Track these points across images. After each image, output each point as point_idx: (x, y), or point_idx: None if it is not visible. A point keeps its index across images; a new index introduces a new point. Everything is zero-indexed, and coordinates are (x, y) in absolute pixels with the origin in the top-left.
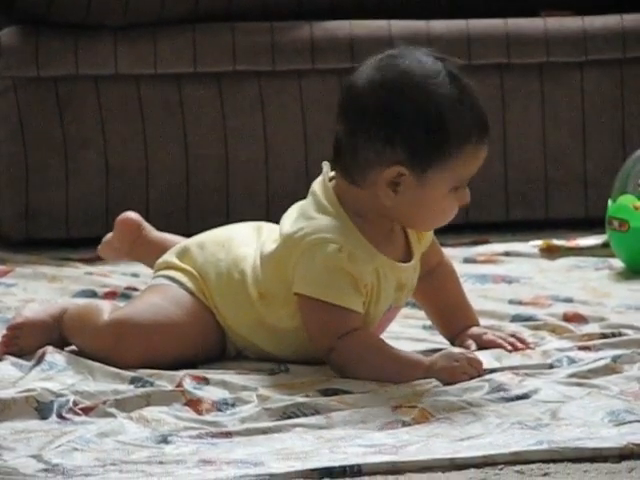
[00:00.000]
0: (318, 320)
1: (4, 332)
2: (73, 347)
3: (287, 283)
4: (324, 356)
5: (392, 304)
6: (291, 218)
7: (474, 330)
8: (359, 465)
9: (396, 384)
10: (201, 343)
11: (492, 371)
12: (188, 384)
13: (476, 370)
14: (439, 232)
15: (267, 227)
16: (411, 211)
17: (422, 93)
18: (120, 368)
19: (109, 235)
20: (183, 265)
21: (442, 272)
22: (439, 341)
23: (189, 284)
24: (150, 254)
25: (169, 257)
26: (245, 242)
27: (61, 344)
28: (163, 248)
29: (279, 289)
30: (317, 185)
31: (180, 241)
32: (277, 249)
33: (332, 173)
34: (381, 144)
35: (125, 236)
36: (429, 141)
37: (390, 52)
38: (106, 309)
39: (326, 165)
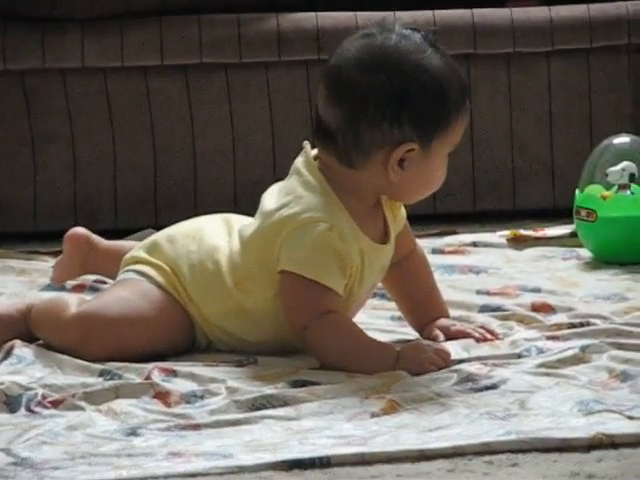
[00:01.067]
0: (297, 296)
1: None
2: (41, 342)
3: (270, 263)
4: (297, 334)
5: (375, 283)
6: (273, 197)
7: (443, 321)
8: (328, 457)
9: (364, 374)
10: (169, 337)
11: (460, 361)
12: (157, 377)
13: (443, 361)
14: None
15: (235, 218)
16: (413, 183)
17: (420, 69)
18: (88, 361)
19: (59, 257)
20: (152, 259)
21: (414, 261)
22: (407, 332)
23: (158, 278)
24: (106, 264)
25: (137, 252)
26: (215, 233)
27: (28, 339)
28: (118, 255)
29: (261, 271)
30: (301, 164)
31: (133, 245)
32: (260, 228)
33: (314, 152)
34: (388, 125)
35: (75, 252)
36: (434, 114)
37: (367, 31)
38: (73, 302)
39: (307, 144)
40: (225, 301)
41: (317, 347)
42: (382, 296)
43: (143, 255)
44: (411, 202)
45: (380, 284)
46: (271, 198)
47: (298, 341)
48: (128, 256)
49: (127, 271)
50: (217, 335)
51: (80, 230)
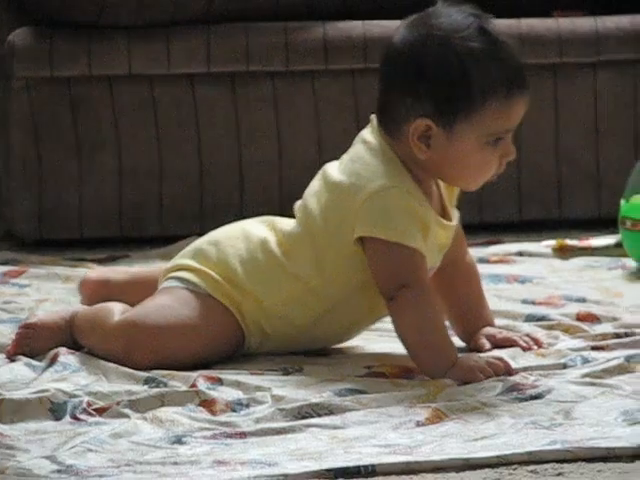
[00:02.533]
0: (385, 262)
1: (17, 331)
2: (85, 349)
3: (343, 234)
4: (385, 302)
5: (434, 265)
6: (340, 166)
7: (489, 329)
8: (373, 465)
9: (411, 379)
10: (213, 344)
11: (513, 371)
12: (202, 384)
13: (494, 372)
14: None
15: (277, 219)
16: (446, 166)
17: (445, 46)
18: (133, 369)
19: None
20: (197, 266)
21: (465, 268)
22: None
23: (202, 284)
24: (123, 297)
25: (180, 260)
26: (258, 229)
27: (74, 347)
28: (134, 284)
29: (332, 242)
30: (367, 133)
31: (146, 271)
32: (332, 199)
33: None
34: (410, 98)
35: (92, 297)
36: (453, 94)
37: (426, 10)
38: (117, 310)
39: (374, 117)
40: (289, 286)
41: (399, 320)
42: None
43: (187, 262)
44: (462, 187)
45: None
46: (337, 168)
47: (370, 318)
48: (170, 264)
49: (169, 279)
50: (276, 328)
51: (92, 276)
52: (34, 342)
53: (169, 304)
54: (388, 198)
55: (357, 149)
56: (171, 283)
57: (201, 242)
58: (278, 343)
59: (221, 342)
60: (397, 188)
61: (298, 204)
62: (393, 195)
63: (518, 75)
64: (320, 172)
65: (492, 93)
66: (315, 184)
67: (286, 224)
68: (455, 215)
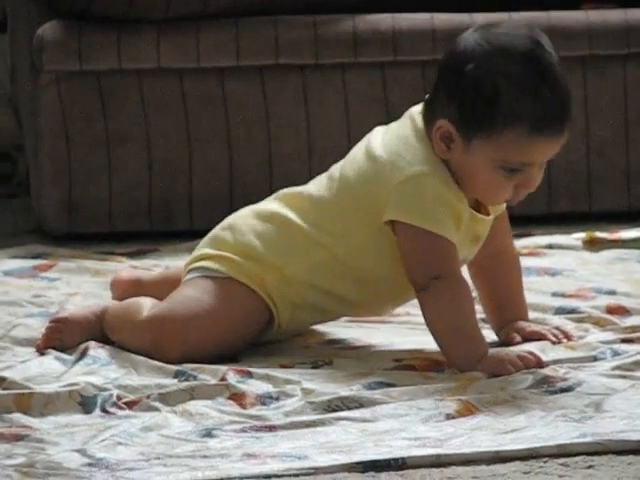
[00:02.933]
0: (418, 250)
1: (47, 325)
2: (115, 344)
3: (374, 209)
4: (416, 292)
5: (466, 258)
6: (384, 140)
7: (520, 323)
8: (403, 458)
9: (441, 372)
10: (242, 326)
11: (544, 364)
12: (232, 378)
13: (525, 365)
14: None
15: (287, 190)
16: (460, 172)
17: (489, 61)
18: (163, 363)
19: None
20: (214, 252)
21: (508, 259)
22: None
23: (222, 269)
24: (155, 295)
25: (198, 251)
26: (268, 203)
27: (104, 341)
28: (165, 283)
29: (359, 214)
30: (416, 112)
31: (176, 270)
32: (371, 171)
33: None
34: (445, 99)
35: (124, 296)
36: (477, 111)
37: (498, 23)
38: (147, 305)
39: (428, 96)
40: (312, 253)
41: (430, 310)
42: None
43: (204, 251)
44: (474, 196)
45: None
46: (381, 141)
47: (392, 295)
48: (191, 257)
49: (190, 270)
50: (304, 297)
51: (124, 275)
52: (65, 336)
53: (192, 295)
54: (424, 184)
55: (405, 126)
56: (192, 275)
57: (216, 229)
58: (308, 313)
59: (250, 323)
60: (434, 176)
61: (335, 167)
62: (429, 182)
63: (550, 115)
64: (365, 138)
65: (514, 124)
66: (357, 151)
67: (308, 190)
68: (496, 208)
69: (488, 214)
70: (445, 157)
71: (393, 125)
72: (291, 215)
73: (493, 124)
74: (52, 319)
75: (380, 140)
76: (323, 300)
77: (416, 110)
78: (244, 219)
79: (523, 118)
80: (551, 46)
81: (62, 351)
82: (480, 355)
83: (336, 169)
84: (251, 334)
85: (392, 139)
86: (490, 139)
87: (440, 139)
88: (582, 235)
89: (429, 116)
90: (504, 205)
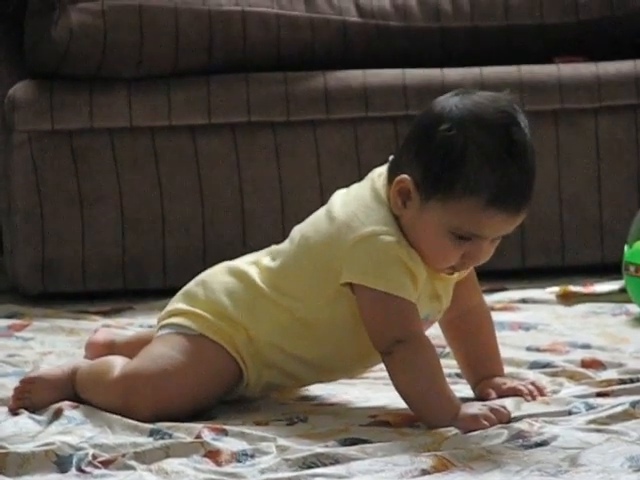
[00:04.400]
0: (379, 313)
1: (16, 386)
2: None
3: (330, 271)
4: (381, 354)
5: (429, 316)
6: (344, 203)
7: (496, 380)
8: None
9: (416, 427)
10: (212, 383)
11: (511, 419)
12: (207, 435)
13: (498, 420)
14: None
15: (260, 254)
16: (411, 232)
17: (462, 128)
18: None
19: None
20: (186, 307)
21: (479, 316)
22: (459, 390)
23: (193, 325)
24: (130, 355)
25: (171, 305)
26: (241, 264)
27: (75, 400)
28: (139, 345)
29: (317, 275)
30: (378, 177)
31: (150, 333)
32: (329, 233)
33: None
34: (411, 155)
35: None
36: (440, 174)
37: (479, 91)
38: (117, 364)
39: (392, 158)
40: (275, 315)
41: (397, 375)
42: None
43: (176, 306)
44: (424, 260)
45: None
46: (341, 202)
47: (358, 357)
48: (162, 312)
49: (162, 327)
50: (270, 358)
51: (99, 338)
52: (34, 396)
53: (163, 352)
54: (377, 245)
55: (364, 186)
56: (164, 331)
57: (189, 284)
58: (275, 374)
59: (220, 380)
60: (388, 236)
61: (297, 228)
62: (383, 243)
63: (511, 192)
64: (330, 200)
65: (472, 194)
66: (319, 213)
67: (272, 256)
68: None
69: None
70: (398, 213)
71: (354, 186)
72: (256, 277)
73: (452, 189)
74: (21, 380)
75: (340, 201)
76: (289, 363)
77: (377, 171)
78: (216, 276)
79: (482, 189)
80: (527, 125)
81: (33, 412)
82: (453, 413)
83: (297, 231)
84: (221, 391)
85: (350, 200)
86: (447, 203)
87: (398, 194)
88: (556, 289)
89: (393, 171)
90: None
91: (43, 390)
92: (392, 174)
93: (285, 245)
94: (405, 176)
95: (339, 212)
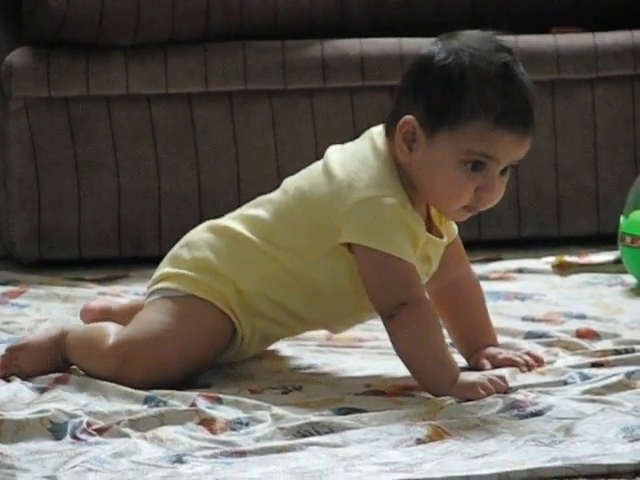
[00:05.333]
0: (382, 275)
1: (2, 354)
2: (75, 367)
3: (326, 228)
4: (382, 317)
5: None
6: (342, 159)
7: (490, 350)
8: None
9: (411, 397)
10: (206, 343)
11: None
12: (201, 404)
13: (496, 389)
14: None
15: (242, 208)
16: (422, 176)
17: (456, 57)
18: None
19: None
20: (172, 270)
21: (467, 287)
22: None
23: (180, 287)
24: (124, 323)
25: (158, 271)
26: (224, 220)
27: (62, 365)
28: (133, 312)
29: (313, 231)
30: (377, 135)
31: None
32: (324, 187)
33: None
34: (410, 97)
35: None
36: (444, 102)
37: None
38: (111, 331)
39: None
40: (263, 265)
41: (400, 338)
42: None
43: (163, 271)
44: (432, 203)
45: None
46: (338, 159)
47: (348, 313)
48: (151, 280)
49: (151, 293)
50: (260, 308)
51: (95, 304)
52: (21, 363)
53: (154, 317)
54: (381, 206)
55: (364, 144)
56: (153, 297)
57: (174, 248)
58: (269, 324)
59: (213, 338)
60: (391, 198)
61: (289, 179)
62: (386, 204)
63: (516, 111)
64: (324, 156)
65: (480, 114)
66: (314, 167)
67: (262, 207)
68: (451, 231)
69: (441, 237)
70: (405, 160)
71: (350, 144)
72: (242, 229)
73: (459, 114)
74: (7, 348)
75: (338, 158)
76: (277, 313)
77: (376, 130)
78: (199, 234)
79: (489, 109)
80: (515, 53)
81: (25, 379)
82: (452, 379)
83: (290, 183)
84: (215, 350)
85: (350, 159)
86: (455, 130)
87: (403, 140)
88: (551, 259)
89: (393, 120)
90: (456, 230)
91: (31, 357)
92: (392, 124)
93: (277, 195)
94: (408, 116)
95: (338, 170)
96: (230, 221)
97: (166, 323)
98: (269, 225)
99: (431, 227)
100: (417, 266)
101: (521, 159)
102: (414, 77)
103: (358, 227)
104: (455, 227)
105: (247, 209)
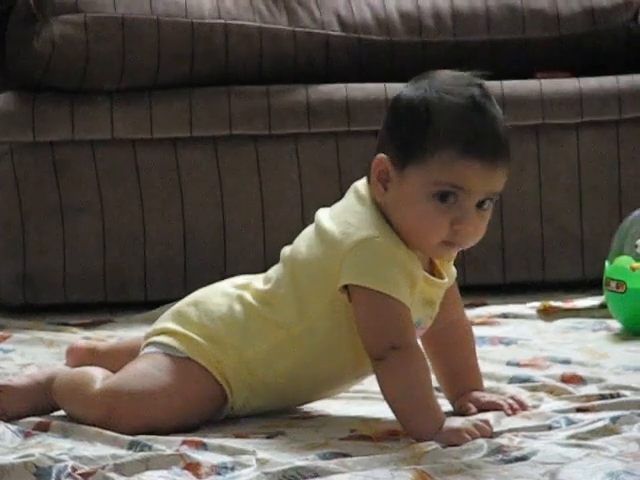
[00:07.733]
0: (374, 315)
1: None
2: (62, 412)
3: (327, 282)
4: (372, 360)
5: (420, 322)
6: (332, 213)
7: (475, 394)
8: None
9: (395, 441)
10: (195, 407)
11: (493, 433)
12: (186, 450)
13: (481, 434)
14: None
15: (251, 278)
16: (396, 211)
17: (422, 93)
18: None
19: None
20: (177, 328)
21: (460, 330)
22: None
23: (181, 347)
24: (108, 367)
25: (161, 323)
26: (234, 286)
27: (48, 409)
28: (117, 355)
29: (315, 289)
30: (360, 186)
31: (131, 342)
32: (320, 245)
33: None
34: (384, 137)
35: (78, 365)
36: (411, 137)
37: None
38: (98, 377)
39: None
40: (271, 334)
41: (387, 382)
42: None
43: (167, 325)
44: (414, 245)
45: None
46: (328, 216)
47: (352, 367)
48: (151, 329)
49: (149, 344)
50: (260, 381)
51: (81, 343)
52: (5, 405)
53: (148, 371)
54: (376, 247)
55: (349, 197)
56: (150, 349)
57: (181, 304)
58: (264, 398)
59: (203, 405)
60: (385, 238)
61: (286, 248)
62: (381, 245)
63: (482, 139)
64: (315, 219)
65: (446, 145)
66: (307, 231)
67: (264, 280)
68: (450, 274)
69: (442, 278)
70: (382, 200)
71: (337, 203)
72: (251, 299)
73: (424, 147)
74: None
75: (327, 216)
76: (281, 384)
77: (359, 182)
78: (210, 297)
79: (454, 139)
80: (486, 87)
81: (8, 421)
82: (438, 425)
83: (286, 250)
84: (204, 414)
85: (338, 212)
86: (422, 163)
87: (378, 180)
88: (537, 304)
89: (369, 169)
90: (454, 272)
91: (13, 399)
92: (369, 169)
93: (275, 267)
94: (380, 155)
95: (329, 225)
96: (240, 289)
97: (162, 380)
98: (272, 293)
99: (433, 269)
100: (418, 309)
101: (498, 192)
102: (385, 118)
103: (355, 268)
104: (454, 269)
105: (253, 280)
